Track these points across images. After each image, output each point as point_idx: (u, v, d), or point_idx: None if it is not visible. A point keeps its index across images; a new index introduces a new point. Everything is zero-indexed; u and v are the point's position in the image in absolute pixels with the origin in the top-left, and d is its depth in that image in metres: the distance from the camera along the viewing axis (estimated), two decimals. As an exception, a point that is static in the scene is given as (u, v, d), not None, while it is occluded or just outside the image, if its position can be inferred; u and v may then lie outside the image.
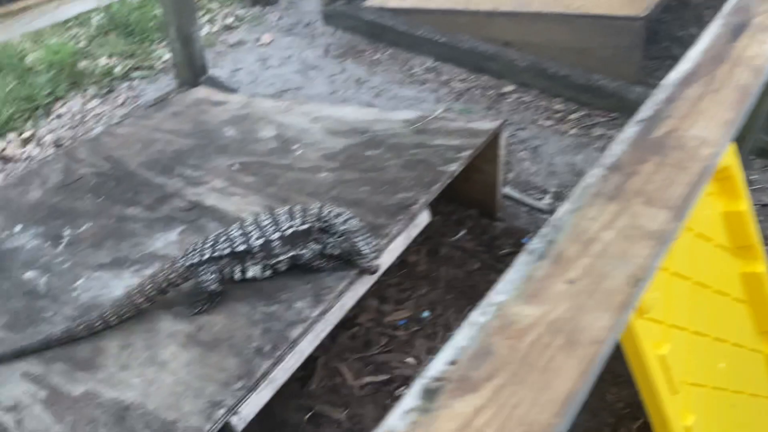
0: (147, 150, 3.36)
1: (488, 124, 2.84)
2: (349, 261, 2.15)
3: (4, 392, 2.01)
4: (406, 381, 2.45)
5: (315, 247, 2.15)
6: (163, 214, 2.78)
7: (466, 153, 2.67)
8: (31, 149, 3.89)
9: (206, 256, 2.11)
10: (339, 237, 2.09)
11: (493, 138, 2.83)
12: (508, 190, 3.48)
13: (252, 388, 1.85)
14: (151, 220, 2.76)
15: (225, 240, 2.13)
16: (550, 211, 3.39)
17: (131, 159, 3.29)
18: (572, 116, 4.27)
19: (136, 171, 3.17)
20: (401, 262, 2.89)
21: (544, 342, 0.80)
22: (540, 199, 3.55)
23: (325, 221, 2.11)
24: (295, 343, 1.98)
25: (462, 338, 0.80)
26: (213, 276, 2.10)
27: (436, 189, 2.51)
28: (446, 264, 2.93)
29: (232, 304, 2.19)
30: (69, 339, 2.10)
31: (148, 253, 2.56)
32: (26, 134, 4.08)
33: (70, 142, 3.95)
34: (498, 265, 2.92)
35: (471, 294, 2.79)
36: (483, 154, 2.88)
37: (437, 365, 0.77)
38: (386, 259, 2.35)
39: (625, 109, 4.16)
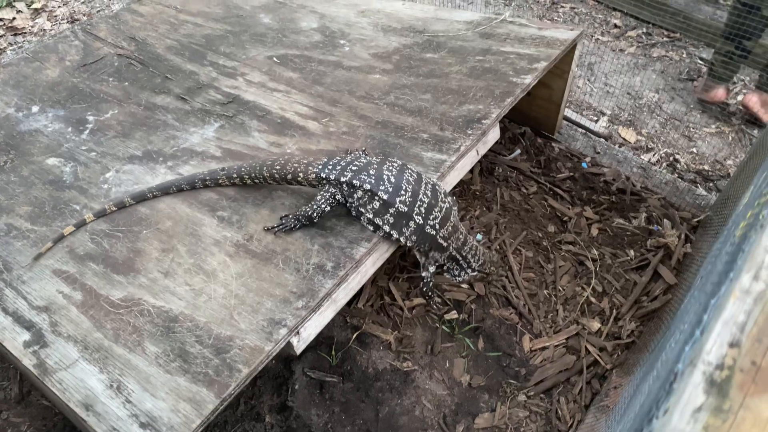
0: (174, 33, 3.03)
1: (565, 34, 2.54)
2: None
3: (34, 290, 1.83)
4: (459, 306, 2.31)
5: (441, 259, 2.09)
6: (197, 106, 2.52)
7: (542, 64, 2.40)
8: (42, 22, 3.51)
9: (344, 179, 1.84)
10: (472, 271, 2.17)
11: (569, 50, 2.54)
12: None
13: (314, 309, 1.69)
14: (185, 111, 2.50)
15: (374, 175, 1.82)
16: (606, 136, 3.16)
17: (157, 41, 2.97)
18: (631, 33, 3.93)
19: (164, 55, 2.86)
20: (451, 178, 2.68)
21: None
22: (595, 121, 3.30)
23: (463, 256, 2.10)
24: (359, 263, 1.80)
25: (735, 311, 0.60)
26: (325, 204, 1.85)
27: (510, 103, 2.26)
28: (501, 185, 2.73)
29: (282, 213, 1.99)
30: (213, 183, 2.08)
31: (183, 148, 2.32)
32: (37, 4, 3.67)
33: (86, 18, 3.57)
34: (556, 189, 2.72)
35: (527, 219, 2.60)
36: (553, 68, 2.61)
37: (715, 347, 0.57)
38: (452, 179, 2.14)
39: (690, 29, 3.83)
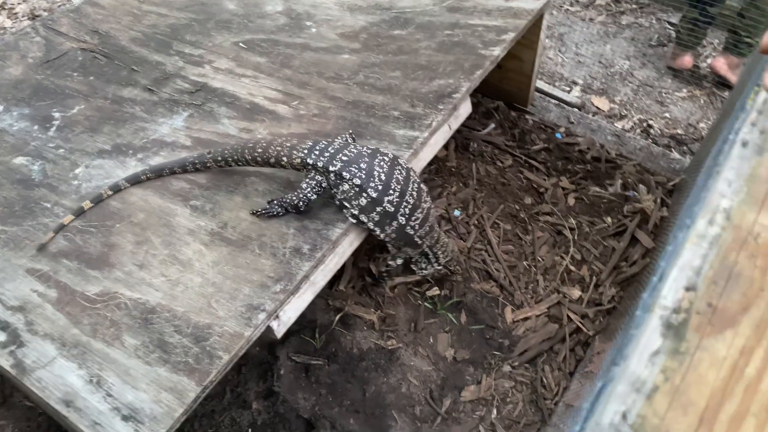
0: (138, 24, 2.98)
1: (532, 4, 2.53)
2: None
3: (8, 290, 1.80)
4: (440, 282, 2.32)
5: (413, 254, 2.10)
6: (165, 96, 2.48)
7: (509, 36, 2.39)
8: (2, 20, 3.42)
9: (333, 168, 1.77)
10: (438, 265, 2.17)
11: (536, 20, 2.53)
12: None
13: (293, 292, 1.68)
14: (153, 102, 2.46)
15: (364, 170, 1.74)
16: (580, 105, 3.17)
17: (121, 33, 2.91)
18: (600, 1, 3.93)
19: (129, 47, 2.81)
20: (427, 156, 2.68)
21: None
22: (568, 91, 3.31)
23: (433, 252, 2.09)
24: (336, 243, 1.80)
25: (691, 256, 0.60)
26: (311, 193, 1.79)
27: (479, 75, 2.25)
28: (477, 160, 2.72)
29: (256, 199, 1.97)
30: (201, 165, 2.05)
31: (153, 139, 2.29)
32: (-6, 2, 3.59)
33: (47, 14, 3.49)
34: (531, 161, 2.73)
35: (504, 192, 2.61)
36: (522, 39, 2.60)
37: (671, 292, 0.58)
38: (426, 155, 2.13)
39: (658, -5, 3.83)
